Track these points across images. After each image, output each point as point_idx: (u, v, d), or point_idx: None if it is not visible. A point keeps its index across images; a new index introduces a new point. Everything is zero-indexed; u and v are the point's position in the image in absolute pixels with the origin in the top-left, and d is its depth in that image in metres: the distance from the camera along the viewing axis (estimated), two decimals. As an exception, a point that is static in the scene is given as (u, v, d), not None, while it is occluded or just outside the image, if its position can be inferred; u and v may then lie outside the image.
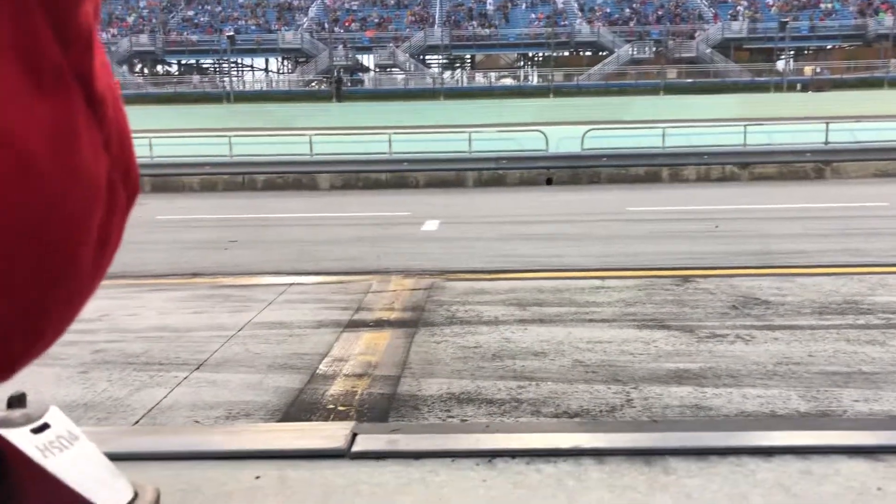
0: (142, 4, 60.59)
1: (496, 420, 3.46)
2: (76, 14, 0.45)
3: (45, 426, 0.55)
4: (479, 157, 18.70)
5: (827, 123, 18.99)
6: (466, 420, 3.46)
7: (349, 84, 51.83)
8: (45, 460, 0.51)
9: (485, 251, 8.72)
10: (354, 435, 2.93)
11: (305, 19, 58.29)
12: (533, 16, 56.68)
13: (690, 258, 7.87)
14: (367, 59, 59.14)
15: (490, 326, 5.11)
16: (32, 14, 0.43)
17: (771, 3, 56.39)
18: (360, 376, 4.11)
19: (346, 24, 57.29)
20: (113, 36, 55.46)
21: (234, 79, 56.08)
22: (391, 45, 54.25)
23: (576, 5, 58.35)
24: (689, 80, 49.80)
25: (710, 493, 2.52)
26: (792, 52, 56.00)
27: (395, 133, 19.87)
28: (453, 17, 57.33)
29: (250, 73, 65.58)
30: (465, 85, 54.92)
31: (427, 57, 58.46)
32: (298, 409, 3.66)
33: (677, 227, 10.33)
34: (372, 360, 4.39)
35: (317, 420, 3.50)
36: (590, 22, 56.10)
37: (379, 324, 5.22)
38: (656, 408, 3.57)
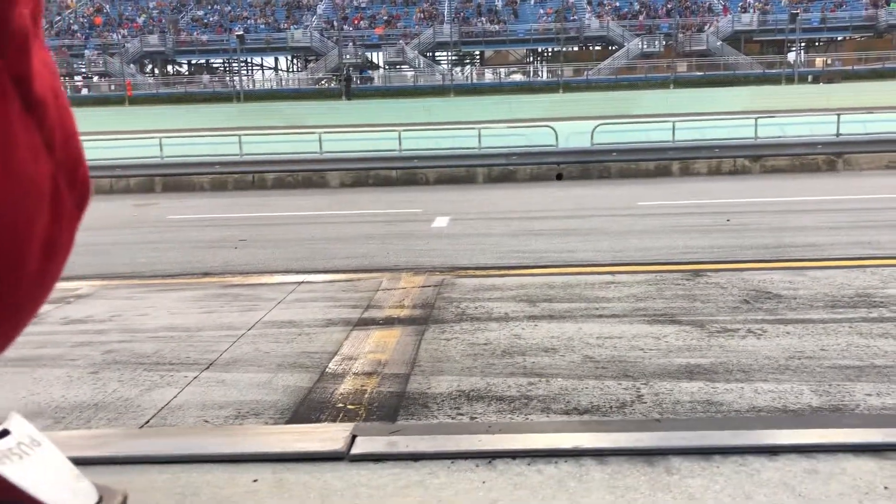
0: (151, 5, 60.82)
1: (506, 418, 3.45)
2: (9, 17, 0.44)
3: (4, 433, 0.54)
4: (489, 153, 18.66)
5: (838, 115, 18.82)
6: (476, 418, 3.45)
7: (358, 82, 51.86)
8: (2, 467, 0.50)
9: (495, 247, 8.70)
10: (354, 437, 2.92)
11: (314, 17, 58.36)
12: (542, 11, 56.53)
13: (701, 252, 7.83)
14: (377, 57, 59.21)
15: (500, 323, 5.09)
16: None
17: (781, -6, 56.00)
18: (369, 375, 4.11)
19: (355, 21, 57.32)
20: (123, 37, 55.74)
21: (244, 78, 56.24)
22: (400, 42, 54.24)
23: (585, 0, 58.15)
24: (700, 74, 49.57)
25: (713, 493, 2.49)
26: (803, 44, 55.62)
27: (404, 130, 19.87)
28: (462, 14, 57.26)
29: (260, 71, 65.80)
30: (474, 81, 54.88)
31: (436, 53, 58.44)
32: (308, 408, 3.66)
33: (688, 221, 10.27)
34: (381, 359, 4.38)
35: (326, 419, 3.50)
36: (599, 16, 55.90)
37: (389, 321, 5.22)
38: (667, 403, 3.54)
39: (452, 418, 3.46)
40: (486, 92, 47.79)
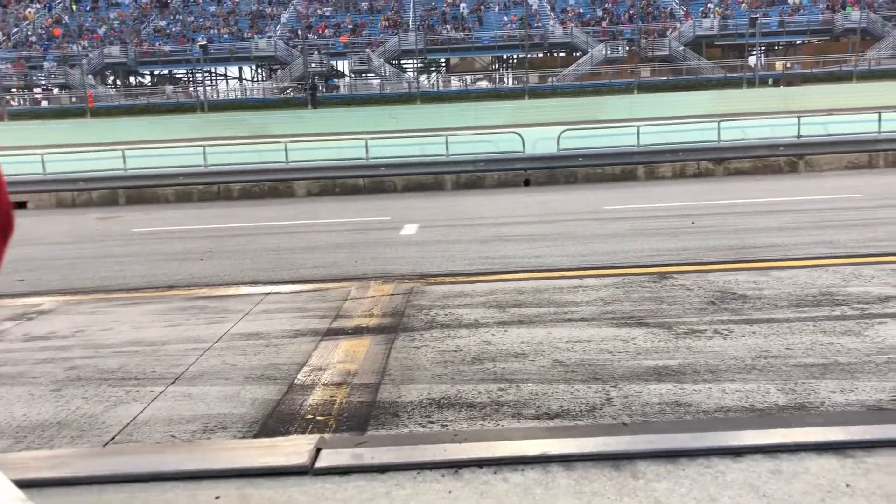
0: (112, 16, 60.04)
1: (477, 425, 3.44)
2: None
3: None
4: (457, 160, 18.71)
5: (799, 118, 19.19)
6: (447, 426, 3.44)
7: (324, 90, 51.66)
8: None
9: (464, 254, 8.70)
10: (318, 450, 2.89)
11: (278, 26, 58.06)
12: (506, 18, 56.83)
13: (668, 255, 7.90)
14: (342, 65, 59.04)
15: (470, 329, 5.08)
16: None
17: (740, -1, 56.97)
18: (339, 385, 4.07)
19: (320, 30, 57.13)
20: (84, 48, 54.94)
21: (208, 88, 55.70)
22: (366, 50, 54.17)
23: (548, 7, 58.59)
24: (663, 79, 50.17)
25: (678, 496, 2.50)
26: (763, 48, 56.60)
27: (371, 138, 19.83)
28: (427, 21, 57.36)
29: (224, 81, 65.26)
30: (440, 88, 54.96)
31: (402, 61, 58.45)
32: (276, 420, 3.61)
33: (654, 224, 10.37)
34: (351, 368, 4.35)
35: (295, 431, 3.45)
36: (562, 23, 56.34)
37: (358, 331, 5.19)
38: (636, 406, 3.56)
39: (423, 427, 3.44)
40: (453, 99, 47.88)
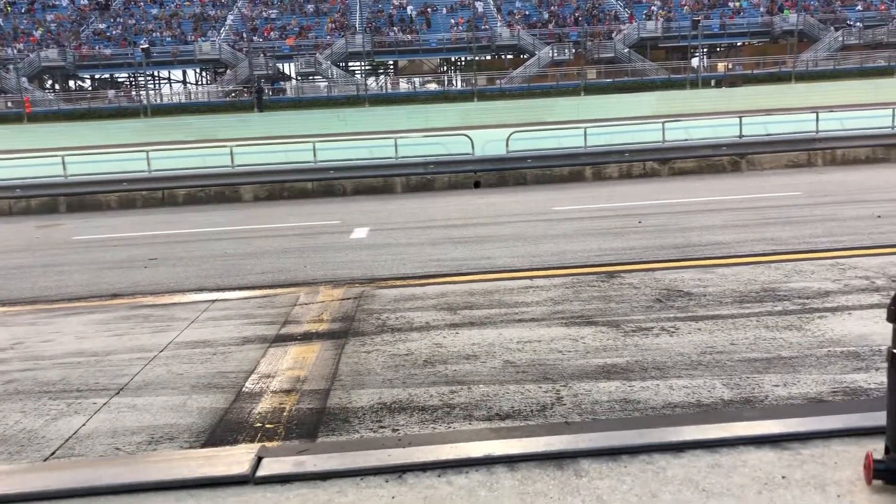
0: (49, 18, 58.43)
1: (429, 428, 3.42)
2: None
3: None
4: (407, 162, 18.64)
5: (740, 118, 19.61)
6: (398, 430, 3.42)
7: (270, 93, 51.09)
8: None
9: (415, 256, 8.68)
10: (260, 459, 2.84)
11: (223, 29, 57.23)
12: (453, 21, 56.98)
13: (615, 254, 8.00)
14: (289, 68, 58.48)
15: (421, 332, 5.07)
16: None
17: (683, 2, 58.08)
18: (288, 392, 4.02)
19: (266, 32, 56.48)
20: (19, 51, 53.34)
21: (151, 92, 54.62)
22: (312, 52, 53.74)
23: (495, 9, 58.92)
24: (609, 80, 50.89)
25: (620, 493, 2.53)
26: (705, 50, 57.84)
27: (319, 141, 19.66)
28: (374, 24, 57.18)
29: (167, 85, 64.06)
30: (389, 91, 54.85)
31: (349, 64, 58.14)
32: (224, 429, 3.55)
33: (602, 224, 10.49)
34: (300, 375, 4.30)
35: (244, 440, 3.39)
36: (509, 25, 56.73)
37: (307, 337, 5.13)
38: (585, 404, 3.59)
39: (374, 431, 3.42)
40: (401, 101, 47.84)
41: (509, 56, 58.29)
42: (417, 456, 2.82)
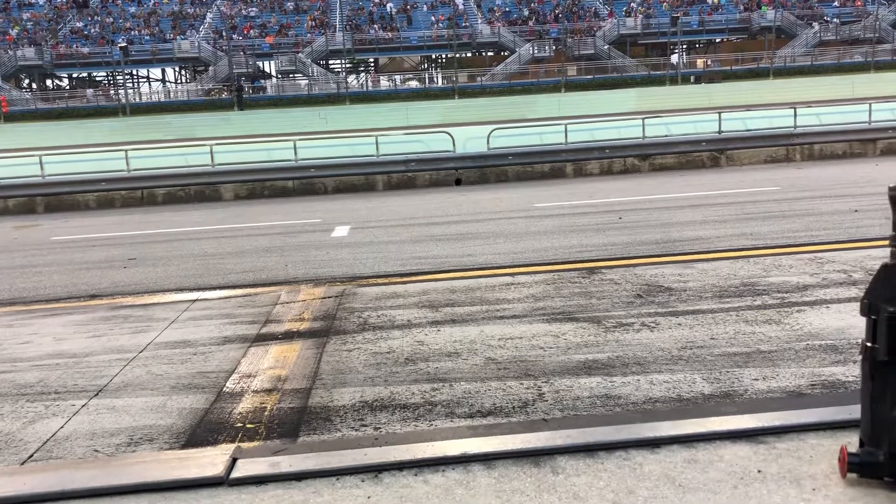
0: (25, 17, 57.73)
1: (410, 425, 3.42)
2: None
3: None
4: (388, 160, 18.61)
5: (720, 113, 19.75)
6: (380, 428, 3.41)
7: (251, 91, 50.81)
8: None
9: (397, 254, 8.67)
10: (234, 460, 2.83)
11: (202, 27, 56.82)
12: (433, 18, 56.92)
13: (596, 250, 8.04)
14: (269, 66, 58.17)
15: (403, 330, 5.06)
16: None
17: (662, -1, 58.43)
18: (269, 391, 4.00)
19: (245, 30, 56.15)
20: (-5, 50, 52.70)
21: (130, 91, 54.14)
22: (293, 50, 53.50)
23: (475, 6, 58.92)
24: (589, 77, 51.05)
25: (597, 490, 2.54)
26: (684, 46, 58.13)
27: (300, 139, 19.58)
28: (354, 21, 57.00)
29: (146, 84, 63.53)
30: (369, 88, 54.71)
31: (330, 61, 57.93)
32: (205, 430, 3.53)
33: (583, 220, 10.53)
34: (282, 374, 4.28)
35: (224, 440, 3.38)
36: (490, 22, 56.75)
37: (288, 336, 5.11)
38: (567, 400, 3.60)
39: (356, 430, 3.41)
40: (382, 99, 47.74)
41: (490, 53, 58.36)
42: (394, 455, 2.81)
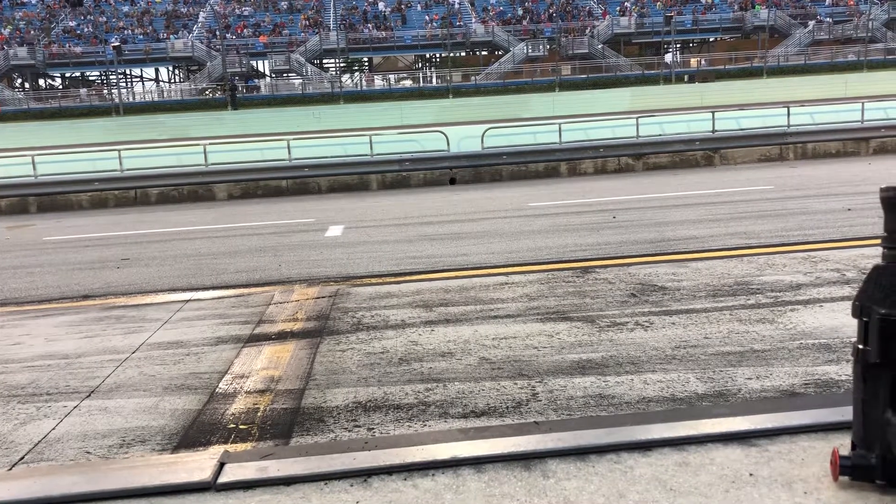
0: (18, 16, 57.50)
1: (404, 426, 3.41)
2: None
3: None
4: (382, 159, 18.61)
5: (713, 113, 19.79)
6: (373, 429, 3.40)
7: (244, 91, 50.71)
8: None
9: (391, 254, 8.65)
10: (222, 464, 2.81)
11: (196, 26, 56.68)
12: (427, 17, 56.89)
13: (590, 249, 8.04)
14: (262, 65, 58.08)
15: (396, 330, 5.05)
16: None
17: (655, -2, 58.51)
18: (262, 392, 3.99)
19: (238, 30, 56.04)
20: (-12, 49, 52.49)
21: (123, 90, 53.98)
22: (286, 50, 53.41)
23: (469, 5, 58.91)
24: (583, 76, 51.11)
25: (587, 494, 2.52)
26: (678, 46, 58.23)
27: (294, 139, 19.55)
28: (348, 20, 56.93)
29: (140, 83, 63.33)
30: (363, 88, 54.66)
31: (324, 61, 57.86)
32: (198, 431, 3.51)
33: (577, 219, 10.53)
34: (275, 375, 4.27)
35: (216, 441, 3.36)
36: (484, 22, 56.75)
37: (282, 336, 5.09)
38: (561, 400, 3.60)
39: (349, 431, 3.40)
40: (376, 98, 47.70)
41: (484, 52, 58.37)
42: (383, 459, 2.79)
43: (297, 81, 53.98)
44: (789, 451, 2.75)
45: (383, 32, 55.60)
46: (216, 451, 3.10)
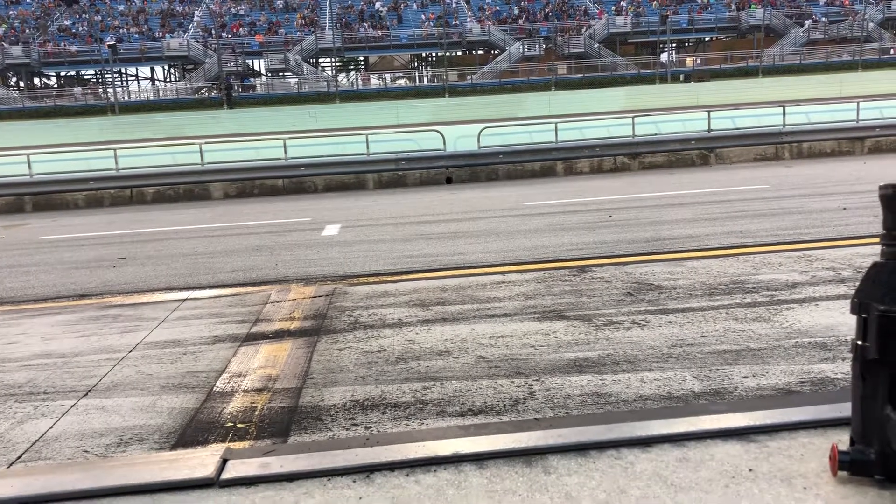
0: (12, 14, 57.35)
1: (402, 424, 3.41)
2: None
3: None
4: (378, 158, 18.62)
5: (709, 112, 19.84)
6: (371, 427, 3.40)
7: (240, 90, 50.65)
8: None
9: (387, 253, 8.65)
10: (225, 461, 2.80)
11: (191, 25, 56.59)
12: (423, 16, 56.88)
13: (586, 248, 8.05)
14: (258, 64, 58.01)
15: (394, 329, 5.05)
16: None
17: (651, -2, 58.58)
18: (259, 391, 3.99)
19: (234, 29, 55.97)
20: (-18, 48, 52.33)
21: (118, 89, 53.87)
22: (282, 49, 53.35)
23: (465, 4, 58.91)
24: (579, 75, 51.14)
25: (588, 490, 2.53)
26: (674, 45, 58.34)
27: (290, 138, 19.55)
28: (344, 19, 56.90)
29: (135, 82, 63.23)
30: (359, 87, 54.63)
31: (320, 60, 57.82)
32: (195, 429, 3.51)
33: (573, 218, 10.54)
34: (272, 373, 4.26)
35: (214, 440, 3.36)
36: (480, 21, 56.77)
37: (279, 335, 5.09)
38: (558, 398, 3.60)
39: (347, 429, 3.40)
40: (372, 97, 47.68)
41: (480, 52, 58.39)
42: (385, 455, 2.80)
43: (293, 80, 53.94)
44: (788, 447, 2.76)
45: (379, 31, 55.58)
46: (216, 448, 3.10)
